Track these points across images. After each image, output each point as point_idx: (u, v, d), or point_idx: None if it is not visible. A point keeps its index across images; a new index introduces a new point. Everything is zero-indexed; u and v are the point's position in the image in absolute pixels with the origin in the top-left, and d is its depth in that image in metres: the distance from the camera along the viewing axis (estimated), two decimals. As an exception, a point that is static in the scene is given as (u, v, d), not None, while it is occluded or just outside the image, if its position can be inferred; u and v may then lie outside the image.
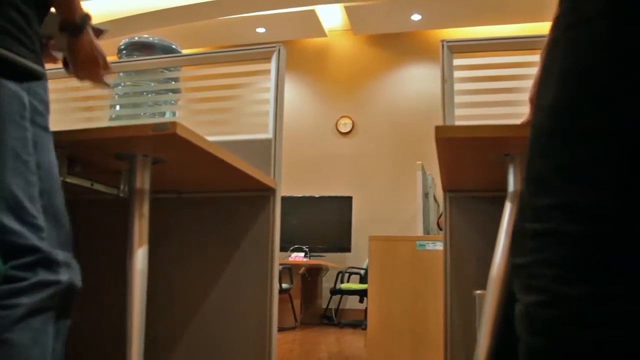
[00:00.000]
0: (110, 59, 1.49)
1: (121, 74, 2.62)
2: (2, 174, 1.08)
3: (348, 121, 6.81)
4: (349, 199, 6.29)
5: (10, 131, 1.10)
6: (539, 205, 0.73)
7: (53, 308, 1.12)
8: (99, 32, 1.46)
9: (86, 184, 1.69)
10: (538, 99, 0.78)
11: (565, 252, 0.69)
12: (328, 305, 6.06)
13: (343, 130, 6.82)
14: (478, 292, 1.66)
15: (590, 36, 0.71)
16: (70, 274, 1.14)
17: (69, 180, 1.58)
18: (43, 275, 1.08)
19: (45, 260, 1.10)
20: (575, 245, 0.68)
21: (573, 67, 0.73)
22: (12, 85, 1.10)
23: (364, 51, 7.03)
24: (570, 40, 0.74)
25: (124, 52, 2.72)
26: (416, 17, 6.79)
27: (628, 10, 0.69)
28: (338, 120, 6.83)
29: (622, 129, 0.68)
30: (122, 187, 1.70)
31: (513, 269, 0.77)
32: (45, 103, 1.21)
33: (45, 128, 1.19)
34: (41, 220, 1.12)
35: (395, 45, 6.85)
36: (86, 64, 1.38)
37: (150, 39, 2.74)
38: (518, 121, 1.37)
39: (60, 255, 1.14)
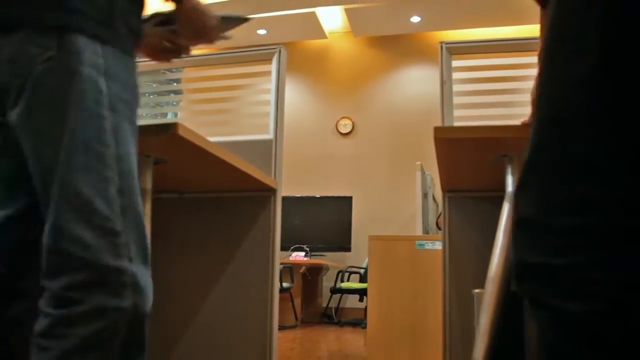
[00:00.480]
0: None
1: (123, 75, 2.62)
2: (67, 171, 0.89)
3: (348, 122, 6.81)
4: (349, 199, 6.29)
5: (80, 121, 0.91)
6: (582, 196, 0.61)
7: (114, 340, 0.86)
8: (236, 20, 1.36)
9: (89, 184, 1.69)
10: (561, 73, 0.65)
11: (630, 252, 0.58)
12: (328, 304, 6.06)
13: (343, 131, 6.82)
14: (476, 290, 1.66)
15: None
16: (135, 297, 0.88)
17: (71, 180, 1.58)
18: (101, 299, 0.85)
19: (107, 279, 0.87)
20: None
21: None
22: (85, 69, 0.92)
23: (364, 53, 7.03)
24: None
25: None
26: (415, 19, 6.79)
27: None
28: (338, 121, 6.83)
29: None
30: (124, 187, 1.70)
31: (528, 267, 0.65)
32: (131, 88, 1.02)
33: (129, 118, 1.01)
34: (118, 224, 0.91)
35: (395, 47, 6.85)
36: (195, 31, 1.24)
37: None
38: (516, 122, 1.37)
39: (130, 270, 0.89)
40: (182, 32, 1.25)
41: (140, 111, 2.60)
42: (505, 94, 2.19)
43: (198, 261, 2.20)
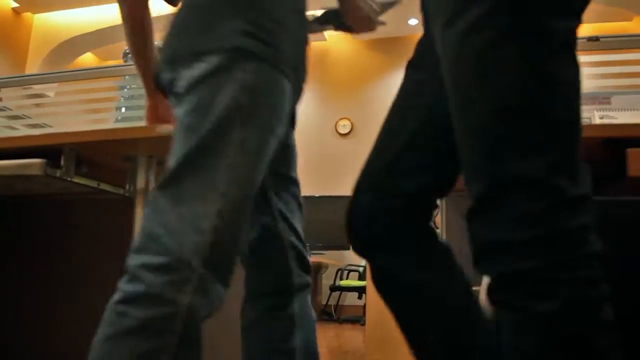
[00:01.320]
0: (116, 62, 1.49)
1: (127, 77, 2.61)
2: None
3: (347, 122, 6.81)
4: (348, 199, 6.28)
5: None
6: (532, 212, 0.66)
7: (168, 334, 0.80)
8: (389, 5, 1.37)
9: (93, 184, 1.69)
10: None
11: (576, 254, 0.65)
12: (328, 301, 6.06)
13: (342, 132, 6.82)
14: (473, 288, 1.66)
15: None
16: (194, 297, 0.82)
17: (76, 180, 1.58)
18: (159, 287, 0.80)
19: (173, 269, 0.81)
20: None
21: None
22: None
23: (363, 54, 7.03)
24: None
25: (130, 55, 2.72)
26: (413, 21, 6.79)
27: None
28: (337, 121, 6.83)
29: None
30: (127, 187, 1.70)
31: (497, 277, 0.70)
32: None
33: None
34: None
35: (393, 49, 6.85)
36: (360, 22, 1.28)
37: (156, 42, 2.74)
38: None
39: (200, 270, 0.83)
40: (349, 23, 1.27)
41: (144, 112, 2.60)
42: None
43: (200, 259, 2.20)
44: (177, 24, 1.00)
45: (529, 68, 0.67)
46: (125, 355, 0.77)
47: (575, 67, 0.70)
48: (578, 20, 0.71)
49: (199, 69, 0.90)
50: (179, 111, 0.92)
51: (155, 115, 1.35)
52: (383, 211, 0.93)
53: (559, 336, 0.63)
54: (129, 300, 0.81)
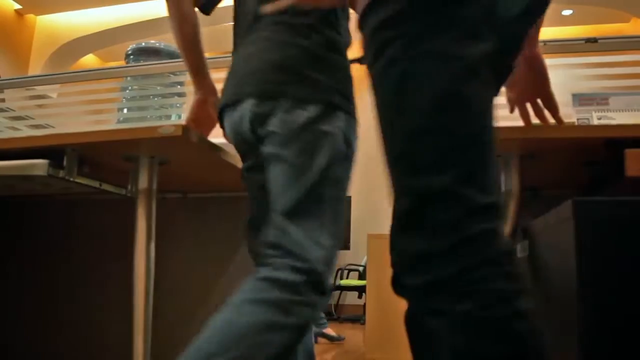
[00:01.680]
0: (118, 63, 1.49)
1: (128, 78, 2.62)
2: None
3: (347, 123, 6.81)
4: (348, 199, 6.26)
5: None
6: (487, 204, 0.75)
7: (290, 314, 1.02)
8: None
9: (95, 184, 1.68)
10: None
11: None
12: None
13: (342, 132, 6.82)
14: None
15: None
16: (313, 296, 1.06)
17: (78, 180, 1.58)
18: (297, 282, 1.04)
19: (307, 273, 1.05)
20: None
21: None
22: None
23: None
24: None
25: (132, 57, 2.72)
26: (412, 23, 6.79)
27: None
28: (337, 122, 6.83)
29: None
30: (129, 187, 1.70)
31: (422, 287, 0.76)
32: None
33: None
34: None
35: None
36: None
37: (157, 44, 2.74)
38: (510, 124, 1.37)
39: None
40: None
41: (146, 113, 2.61)
42: (499, 95, 2.18)
43: (201, 259, 2.20)
44: (274, 63, 1.15)
45: (435, 93, 0.75)
46: (261, 314, 1.03)
47: (481, 89, 0.78)
48: (486, 45, 0.78)
49: (301, 116, 1.09)
50: (276, 149, 1.11)
51: (198, 115, 1.51)
52: None
53: (482, 329, 0.71)
54: (275, 282, 1.06)
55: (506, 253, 0.75)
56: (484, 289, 0.72)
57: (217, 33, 7.14)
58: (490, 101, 0.80)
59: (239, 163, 1.74)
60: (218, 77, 2.55)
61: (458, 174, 0.74)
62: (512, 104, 1.33)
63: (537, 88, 1.28)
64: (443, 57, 0.76)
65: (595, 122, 1.66)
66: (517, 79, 1.26)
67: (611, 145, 1.24)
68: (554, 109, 1.29)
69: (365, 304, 3.39)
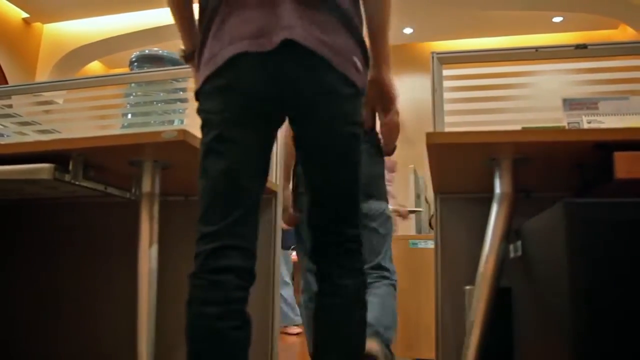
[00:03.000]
0: (123, 70, 1.49)
1: (132, 84, 2.61)
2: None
3: (345, 128, 6.80)
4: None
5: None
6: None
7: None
8: None
9: (100, 187, 1.68)
10: None
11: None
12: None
13: (340, 136, 6.81)
14: (467, 287, 1.66)
15: None
16: None
17: (83, 184, 1.58)
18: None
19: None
20: None
21: None
22: None
23: (360, 62, 7.02)
24: None
25: (135, 64, 2.72)
26: (408, 30, 6.81)
27: None
28: (335, 127, 6.82)
29: None
30: (133, 190, 1.70)
31: None
32: None
33: None
34: None
35: (389, 57, 6.86)
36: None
37: (160, 52, 2.74)
38: (504, 127, 1.37)
39: None
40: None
41: (149, 118, 2.60)
42: (492, 100, 2.18)
43: (204, 260, 2.19)
44: None
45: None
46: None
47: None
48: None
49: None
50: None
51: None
52: None
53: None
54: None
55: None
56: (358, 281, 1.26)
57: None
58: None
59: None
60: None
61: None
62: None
63: (377, 100, 1.42)
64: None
65: (585, 125, 1.66)
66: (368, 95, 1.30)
67: (601, 148, 1.24)
68: (387, 118, 1.60)
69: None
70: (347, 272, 1.18)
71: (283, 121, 1.21)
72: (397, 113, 1.65)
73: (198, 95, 1.16)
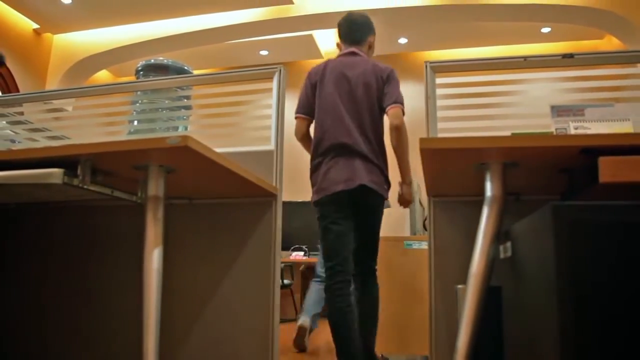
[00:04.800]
0: (129, 79, 1.49)
1: (139, 92, 2.62)
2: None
3: (342, 134, 6.80)
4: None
5: None
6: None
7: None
8: None
9: (107, 191, 1.68)
10: None
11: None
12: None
13: (338, 142, 6.81)
14: (459, 286, 1.66)
15: None
16: None
17: (91, 188, 1.58)
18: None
19: None
20: None
21: None
22: None
23: (356, 71, 7.03)
24: None
25: (141, 72, 2.72)
26: (402, 40, 6.82)
27: None
28: (333, 132, 6.81)
29: None
30: (139, 194, 1.70)
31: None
32: None
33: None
34: None
35: (384, 66, 6.86)
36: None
37: (165, 61, 2.74)
38: (495, 134, 1.37)
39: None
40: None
41: (154, 125, 2.60)
42: (483, 107, 2.19)
43: (206, 261, 2.19)
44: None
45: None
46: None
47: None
48: None
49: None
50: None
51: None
52: None
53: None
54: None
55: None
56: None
57: (210, 52, 7.17)
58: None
59: (242, 171, 1.74)
60: (211, 92, 2.56)
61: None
62: None
63: (399, 197, 2.49)
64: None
65: (572, 131, 1.66)
66: None
67: (587, 153, 1.24)
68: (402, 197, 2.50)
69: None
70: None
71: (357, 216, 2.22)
72: (409, 194, 2.34)
73: (317, 203, 2.19)
